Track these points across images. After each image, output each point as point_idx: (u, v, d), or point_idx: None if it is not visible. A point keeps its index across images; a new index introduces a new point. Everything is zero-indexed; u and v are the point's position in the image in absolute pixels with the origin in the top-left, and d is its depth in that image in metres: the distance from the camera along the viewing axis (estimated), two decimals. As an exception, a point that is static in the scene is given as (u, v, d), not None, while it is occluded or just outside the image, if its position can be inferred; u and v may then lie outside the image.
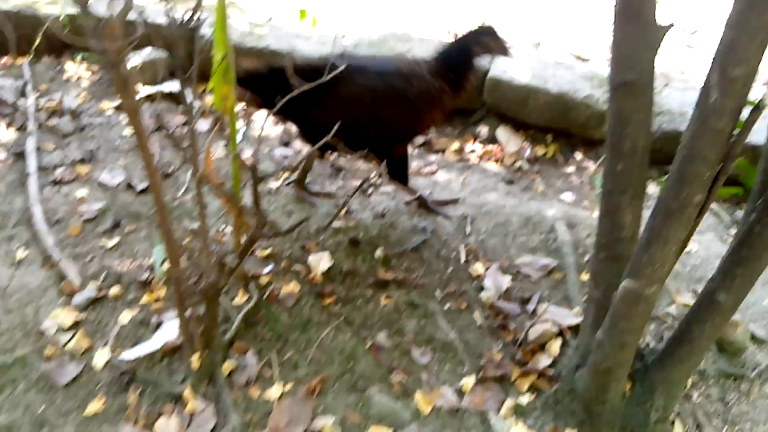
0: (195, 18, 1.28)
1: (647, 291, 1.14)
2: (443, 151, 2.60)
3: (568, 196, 2.45)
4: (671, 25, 1.22)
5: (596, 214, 1.53)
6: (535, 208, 2.25)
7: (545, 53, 3.20)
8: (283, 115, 1.95)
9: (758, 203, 1.19)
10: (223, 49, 1.30)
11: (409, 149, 2.35)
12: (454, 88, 1.93)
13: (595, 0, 3.91)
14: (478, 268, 1.96)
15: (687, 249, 2.20)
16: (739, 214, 2.48)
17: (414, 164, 2.49)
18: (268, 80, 1.86)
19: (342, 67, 1.74)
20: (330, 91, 1.77)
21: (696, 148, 0.98)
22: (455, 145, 2.63)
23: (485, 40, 1.91)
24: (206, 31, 2.70)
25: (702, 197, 1.04)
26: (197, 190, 1.30)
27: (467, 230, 2.12)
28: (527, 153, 2.63)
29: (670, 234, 1.07)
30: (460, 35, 1.97)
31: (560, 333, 1.77)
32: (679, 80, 3.06)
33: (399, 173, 2.10)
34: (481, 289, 1.90)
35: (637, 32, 1.17)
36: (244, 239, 1.46)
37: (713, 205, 2.50)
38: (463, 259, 1.99)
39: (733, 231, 2.34)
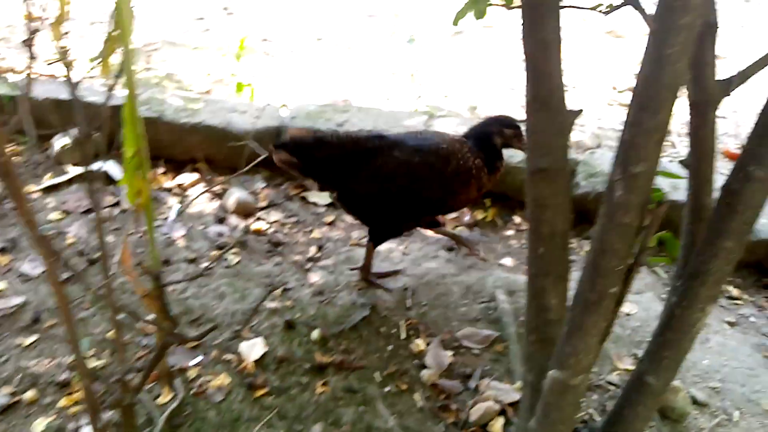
0: (109, 97, 1.25)
1: (573, 381, 1.12)
2: (383, 219, 2.58)
3: (508, 261, 2.45)
4: (581, 111, 1.24)
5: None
6: (476, 276, 2.24)
7: (481, 116, 3.26)
8: (322, 182, 2.04)
9: (678, 284, 1.19)
10: (134, 146, 1.26)
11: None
12: (489, 169, 1.99)
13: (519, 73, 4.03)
14: (419, 343, 1.92)
15: (627, 311, 2.22)
16: (676, 271, 2.52)
17: (355, 234, 2.46)
18: (312, 149, 1.94)
19: (380, 141, 1.93)
20: (368, 163, 1.92)
21: (606, 243, 0.98)
22: (395, 213, 2.62)
23: (506, 132, 1.98)
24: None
25: (618, 288, 1.03)
26: (107, 295, 1.23)
27: (408, 303, 2.08)
28: (467, 218, 2.64)
29: (590, 325, 1.05)
30: (483, 121, 2.05)
31: (503, 410, 1.73)
32: (613, 139, 3.15)
33: (381, 236, 2.10)
34: (423, 366, 1.86)
35: (547, 120, 1.18)
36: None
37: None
38: (403, 335, 1.95)
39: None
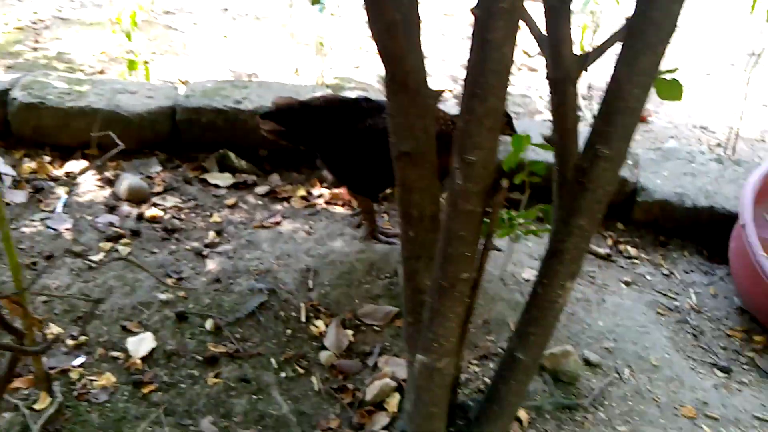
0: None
1: (438, 365, 1.13)
2: (289, 199, 2.53)
3: (414, 235, 2.45)
4: (443, 90, 1.22)
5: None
6: (380, 251, 2.23)
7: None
8: (308, 147, 2.10)
9: (541, 263, 1.21)
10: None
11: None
12: None
13: (451, 44, 4.00)
14: (319, 325, 1.91)
15: (527, 277, 2.27)
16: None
17: (258, 216, 2.41)
18: (297, 115, 2.02)
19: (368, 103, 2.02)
20: (357, 124, 1.99)
21: (452, 230, 0.98)
22: (301, 191, 2.57)
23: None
24: (17, 93, 2.51)
25: (471, 274, 1.03)
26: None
27: (310, 284, 2.06)
28: (375, 192, 2.61)
29: (446, 310, 1.06)
30: None
31: (399, 387, 1.74)
32: (520, 105, 3.17)
33: (363, 188, 2.16)
34: (322, 348, 1.84)
35: (407, 102, 1.16)
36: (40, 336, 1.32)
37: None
38: (303, 317, 1.93)
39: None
